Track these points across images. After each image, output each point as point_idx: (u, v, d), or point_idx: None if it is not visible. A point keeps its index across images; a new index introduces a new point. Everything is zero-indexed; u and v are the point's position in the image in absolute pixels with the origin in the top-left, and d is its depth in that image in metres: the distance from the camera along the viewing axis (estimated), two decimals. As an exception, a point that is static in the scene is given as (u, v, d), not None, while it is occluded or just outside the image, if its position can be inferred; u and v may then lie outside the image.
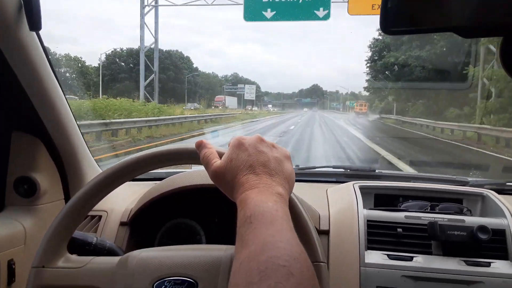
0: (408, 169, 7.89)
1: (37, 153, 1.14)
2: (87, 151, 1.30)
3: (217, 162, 0.67)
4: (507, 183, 1.59)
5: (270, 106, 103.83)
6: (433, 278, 1.00)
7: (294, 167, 1.83)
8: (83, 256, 0.85)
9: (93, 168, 1.34)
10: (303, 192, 1.37)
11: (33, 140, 1.13)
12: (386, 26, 0.52)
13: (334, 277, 1.04)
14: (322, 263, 0.77)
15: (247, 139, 0.67)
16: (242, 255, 0.51)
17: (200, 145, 0.73)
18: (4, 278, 1.02)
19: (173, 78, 51.94)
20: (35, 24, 0.88)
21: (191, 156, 0.78)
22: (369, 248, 1.07)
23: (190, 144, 0.79)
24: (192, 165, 1.70)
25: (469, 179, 1.60)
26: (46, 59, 1.02)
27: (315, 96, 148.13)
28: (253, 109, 64.81)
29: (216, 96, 58.94)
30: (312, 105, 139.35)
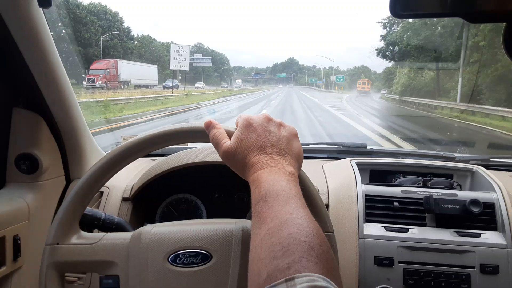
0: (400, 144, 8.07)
1: (38, 129, 1.13)
2: (87, 129, 1.30)
3: (227, 142, 0.69)
4: (491, 159, 1.67)
5: (239, 81, 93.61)
6: (427, 248, 1.06)
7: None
8: (95, 233, 0.87)
9: (92, 145, 1.34)
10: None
11: (34, 116, 1.12)
12: (396, 9, 0.54)
13: None
14: (331, 233, 0.81)
15: (255, 119, 0.69)
16: (261, 231, 0.53)
17: (209, 125, 0.74)
18: (10, 253, 1.03)
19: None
20: (45, 0, 0.86)
21: (200, 135, 0.79)
22: (367, 221, 1.12)
23: (199, 123, 0.80)
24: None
25: (456, 154, 1.67)
26: (51, 36, 1.00)
27: (290, 71, 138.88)
28: (199, 87, 48.40)
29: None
30: (288, 81, 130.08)
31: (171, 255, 0.78)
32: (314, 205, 0.79)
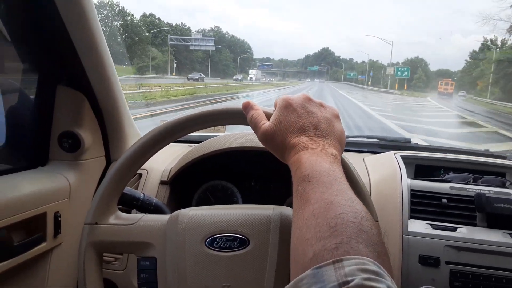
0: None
1: (81, 108, 1.14)
2: (128, 110, 1.30)
3: (265, 124, 0.66)
4: None
5: (253, 72, 72.61)
6: (477, 249, 0.99)
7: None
8: (133, 214, 0.86)
9: (132, 127, 1.34)
10: None
11: (77, 95, 1.13)
12: None
13: None
14: (377, 222, 0.77)
15: (295, 99, 0.66)
16: (305, 212, 0.50)
17: (247, 106, 0.72)
18: (51, 229, 1.04)
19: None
20: None
21: (238, 117, 0.77)
22: (412, 217, 1.06)
23: (236, 104, 0.78)
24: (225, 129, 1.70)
25: (508, 154, 1.57)
26: (96, 15, 1.00)
27: (324, 63, 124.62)
28: (193, 78, 39.98)
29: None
30: (321, 74, 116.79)
31: (208, 238, 0.77)
32: (358, 191, 0.76)
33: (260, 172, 1.32)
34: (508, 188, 1.17)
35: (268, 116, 0.68)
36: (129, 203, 0.99)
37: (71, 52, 1.03)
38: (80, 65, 1.07)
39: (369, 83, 64.96)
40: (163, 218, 0.82)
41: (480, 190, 1.08)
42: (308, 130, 0.62)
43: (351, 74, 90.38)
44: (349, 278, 0.39)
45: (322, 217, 0.48)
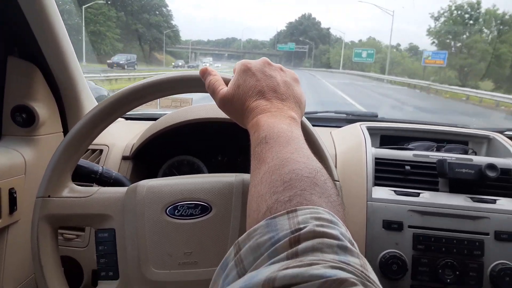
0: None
1: (34, 81, 1.08)
2: (85, 84, 1.25)
3: (224, 89, 0.65)
4: (505, 132, 1.60)
5: (207, 60, 55.66)
6: (440, 213, 1.01)
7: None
8: (89, 187, 0.83)
9: (91, 101, 1.29)
10: None
11: (30, 67, 1.07)
12: None
13: None
14: (337, 182, 0.77)
15: (253, 63, 0.65)
16: (261, 171, 0.50)
17: (205, 73, 0.70)
18: (6, 206, 1.00)
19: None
20: None
21: (196, 84, 0.75)
22: (376, 184, 1.07)
23: (194, 71, 0.75)
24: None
25: (470, 126, 1.60)
26: None
27: (305, 38, 78.19)
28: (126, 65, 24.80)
29: None
30: (300, 57, 77.26)
31: (169, 207, 0.75)
32: (319, 152, 0.75)
33: (227, 145, 1.30)
34: (470, 155, 1.20)
35: (226, 81, 0.67)
36: (87, 177, 0.95)
37: (22, 21, 0.97)
38: (32, 35, 1.01)
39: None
40: (121, 190, 0.80)
41: (443, 156, 1.09)
42: (267, 94, 0.61)
43: (363, 54, 44.49)
44: (302, 226, 0.39)
45: (277, 173, 0.47)
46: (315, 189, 0.45)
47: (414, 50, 54.15)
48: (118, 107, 0.78)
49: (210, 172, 1.31)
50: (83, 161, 0.94)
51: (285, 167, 0.48)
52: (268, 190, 0.46)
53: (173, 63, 50.28)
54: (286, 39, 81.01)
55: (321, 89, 21.28)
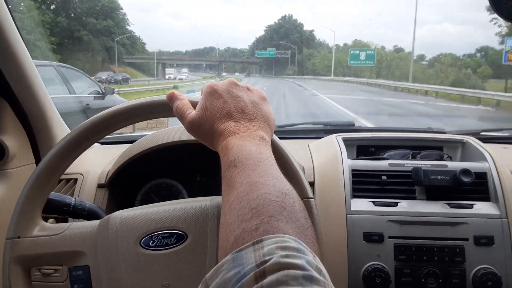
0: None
1: (3, 114, 1.06)
2: (56, 113, 1.23)
3: (191, 112, 0.65)
4: (481, 133, 1.63)
5: (170, 72, 49.99)
6: (418, 221, 1.01)
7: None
8: (61, 223, 0.81)
9: (63, 130, 1.27)
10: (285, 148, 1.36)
11: None
12: None
13: (322, 226, 1.04)
14: (311, 199, 0.76)
15: (220, 85, 0.65)
16: (231, 197, 0.50)
17: (172, 97, 0.70)
18: None
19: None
20: None
21: (164, 109, 0.74)
22: (354, 196, 1.07)
23: (161, 96, 0.74)
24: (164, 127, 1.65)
25: (446, 129, 1.62)
26: (12, 18, 0.94)
27: (287, 42, 70.80)
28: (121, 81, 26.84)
29: None
30: (281, 64, 70.24)
31: (143, 238, 0.73)
32: (290, 170, 0.75)
33: (205, 166, 1.29)
34: (445, 160, 1.21)
35: (194, 105, 0.67)
36: (60, 210, 0.92)
37: None
38: None
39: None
40: (93, 223, 0.78)
41: (418, 164, 1.10)
42: (235, 115, 0.61)
43: (361, 56, 35.96)
44: (267, 258, 0.38)
45: (245, 200, 0.47)
46: (283, 214, 0.44)
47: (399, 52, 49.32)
48: (88, 136, 0.76)
49: (190, 193, 1.29)
50: (54, 194, 0.92)
51: (253, 192, 0.47)
52: (236, 218, 0.46)
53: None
54: (265, 45, 74.95)
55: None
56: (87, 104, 6.09)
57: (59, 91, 5.73)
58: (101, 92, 6.57)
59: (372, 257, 0.99)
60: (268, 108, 0.66)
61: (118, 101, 5.99)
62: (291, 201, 0.47)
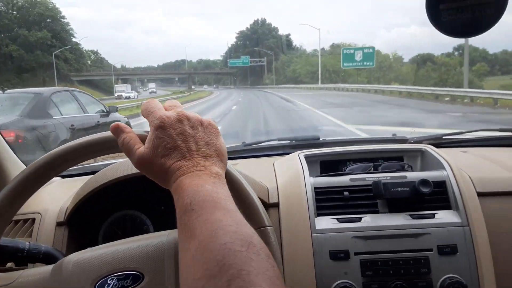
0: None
1: None
2: (8, 150, 1.19)
3: (140, 148, 0.61)
4: (444, 137, 1.66)
5: (121, 89, 45.57)
6: (382, 235, 1.01)
7: (240, 143, 1.79)
8: (11, 272, 0.78)
9: (15, 165, 1.22)
10: (251, 168, 1.35)
11: None
12: None
13: (288, 248, 1.03)
14: (268, 227, 0.74)
15: (169, 119, 0.61)
16: (191, 246, 0.48)
17: (116, 129, 0.65)
18: None
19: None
20: None
21: (110, 145, 0.69)
22: (319, 214, 1.06)
23: (106, 132, 0.69)
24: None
25: (408, 137, 1.65)
26: None
27: (262, 48, 65.66)
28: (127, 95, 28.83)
29: None
30: (257, 73, 64.16)
31: (98, 282, 0.71)
32: (246, 201, 0.74)
33: (169, 195, 1.26)
34: (406, 171, 1.22)
35: (142, 138, 0.63)
36: (13, 256, 0.88)
37: None
38: None
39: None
40: (47, 269, 0.74)
41: (378, 177, 1.11)
42: (187, 153, 0.58)
43: (357, 56, 29.05)
44: None
45: (209, 250, 0.45)
46: (252, 265, 0.43)
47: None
48: (38, 177, 0.71)
49: (154, 224, 1.26)
50: (5, 240, 0.87)
51: (216, 241, 0.46)
52: (203, 273, 0.44)
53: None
54: (239, 53, 68.90)
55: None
56: (98, 122, 7.13)
57: (76, 111, 6.90)
58: (105, 110, 7.66)
59: (339, 275, 0.98)
60: (220, 142, 0.64)
61: (118, 118, 7.82)
62: (256, 249, 0.46)
